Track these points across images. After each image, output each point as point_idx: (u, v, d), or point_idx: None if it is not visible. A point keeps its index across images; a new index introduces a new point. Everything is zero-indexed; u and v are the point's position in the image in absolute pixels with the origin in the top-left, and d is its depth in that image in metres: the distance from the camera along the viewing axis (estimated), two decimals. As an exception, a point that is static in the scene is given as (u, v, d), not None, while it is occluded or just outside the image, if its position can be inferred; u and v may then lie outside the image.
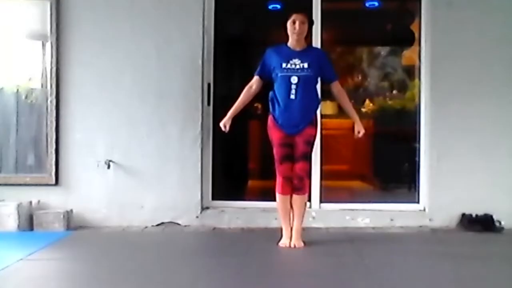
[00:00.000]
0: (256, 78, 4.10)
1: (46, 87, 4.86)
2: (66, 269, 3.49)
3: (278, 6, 5.91)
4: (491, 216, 4.65)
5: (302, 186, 3.96)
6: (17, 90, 4.98)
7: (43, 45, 4.89)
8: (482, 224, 4.61)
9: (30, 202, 4.70)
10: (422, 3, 4.99)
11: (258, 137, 7.34)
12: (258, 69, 4.09)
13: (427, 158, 4.89)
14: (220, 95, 5.14)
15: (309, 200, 4.90)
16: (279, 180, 3.98)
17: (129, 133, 4.84)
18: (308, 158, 4.00)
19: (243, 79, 7.21)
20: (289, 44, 4.03)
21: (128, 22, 4.84)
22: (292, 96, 3.89)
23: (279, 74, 3.91)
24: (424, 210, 4.89)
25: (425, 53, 4.95)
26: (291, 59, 3.92)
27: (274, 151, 3.99)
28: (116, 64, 4.84)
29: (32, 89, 4.98)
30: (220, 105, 5.16)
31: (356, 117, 4.09)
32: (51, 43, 4.81)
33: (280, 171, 3.98)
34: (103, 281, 3.13)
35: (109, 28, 4.85)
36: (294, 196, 3.99)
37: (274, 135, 3.99)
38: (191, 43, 4.84)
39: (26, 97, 4.97)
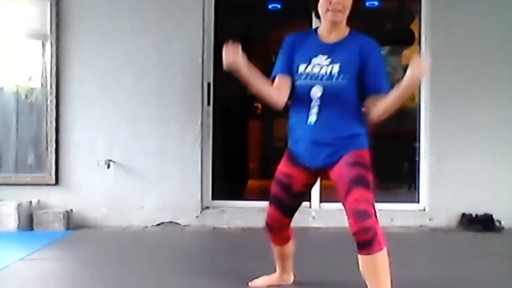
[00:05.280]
0: (278, 77, 2.55)
1: (46, 86, 4.86)
2: (66, 269, 3.49)
3: (278, 6, 5.92)
4: (491, 216, 4.65)
5: (368, 237, 2.33)
6: (17, 90, 4.98)
7: (43, 45, 4.88)
8: (482, 224, 4.61)
9: (30, 202, 4.69)
10: (422, 3, 4.99)
11: (257, 137, 7.36)
12: (277, 66, 2.59)
13: (427, 158, 4.89)
14: (220, 95, 5.14)
15: (309, 200, 4.90)
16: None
17: (129, 133, 4.84)
18: (367, 183, 2.41)
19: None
20: (319, 32, 2.56)
21: (128, 22, 4.84)
22: (310, 119, 2.46)
23: (296, 83, 2.50)
24: (424, 210, 4.89)
25: (425, 52, 4.94)
26: (315, 56, 2.46)
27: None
28: (116, 63, 4.83)
29: (32, 88, 4.97)
30: (220, 105, 5.17)
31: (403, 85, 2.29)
32: (51, 42, 4.81)
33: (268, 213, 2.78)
34: (103, 281, 3.13)
35: (109, 28, 4.84)
36: (361, 258, 2.40)
37: (279, 167, 2.69)
38: (191, 43, 4.84)
39: (26, 97, 4.97)
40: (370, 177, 2.44)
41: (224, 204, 4.95)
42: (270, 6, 5.95)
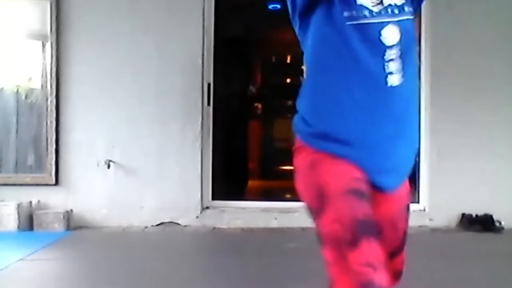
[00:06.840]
0: None
1: (46, 87, 4.86)
2: (66, 269, 3.49)
3: (278, 6, 5.92)
4: (491, 216, 4.65)
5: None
6: (17, 90, 4.98)
7: (43, 45, 4.89)
8: (482, 224, 4.60)
9: (30, 202, 4.69)
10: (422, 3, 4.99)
11: (258, 137, 7.36)
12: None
13: (427, 158, 4.89)
14: (220, 95, 5.14)
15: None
16: None
17: (129, 133, 4.84)
18: None
19: (243, 79, 7.26)
20: None
21: (128, 22, 4.84)
22: (394, 79, 1.40)
23: (346, 22, 1.40)
24: (424, 210, 4.89)
25: (425, 53, 4.94)
26: None
27: (327, 215, 1.46)
28: (116, 63, 4.84)
29: (32, 89, 4.97)
30: (220, 105, 5.17)
31: None
32: (51, 43, 4.80)
33: (353, 263, 1.39)
34: (102, 281, 3.13)
35: (109, 28, 4.84)
36: None
37: (331, 174, 1.46)
38: (191, 43, 4.84)
39: (26, 97, 4.97)
40: None
41: (224, 204, 4.95)
42: (270, 6, 5.95)
